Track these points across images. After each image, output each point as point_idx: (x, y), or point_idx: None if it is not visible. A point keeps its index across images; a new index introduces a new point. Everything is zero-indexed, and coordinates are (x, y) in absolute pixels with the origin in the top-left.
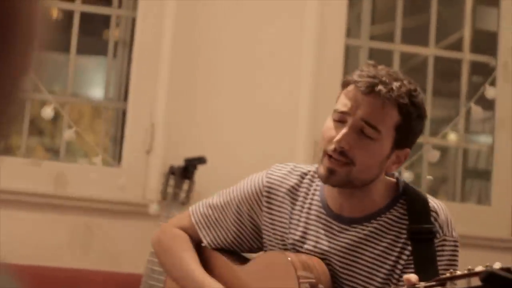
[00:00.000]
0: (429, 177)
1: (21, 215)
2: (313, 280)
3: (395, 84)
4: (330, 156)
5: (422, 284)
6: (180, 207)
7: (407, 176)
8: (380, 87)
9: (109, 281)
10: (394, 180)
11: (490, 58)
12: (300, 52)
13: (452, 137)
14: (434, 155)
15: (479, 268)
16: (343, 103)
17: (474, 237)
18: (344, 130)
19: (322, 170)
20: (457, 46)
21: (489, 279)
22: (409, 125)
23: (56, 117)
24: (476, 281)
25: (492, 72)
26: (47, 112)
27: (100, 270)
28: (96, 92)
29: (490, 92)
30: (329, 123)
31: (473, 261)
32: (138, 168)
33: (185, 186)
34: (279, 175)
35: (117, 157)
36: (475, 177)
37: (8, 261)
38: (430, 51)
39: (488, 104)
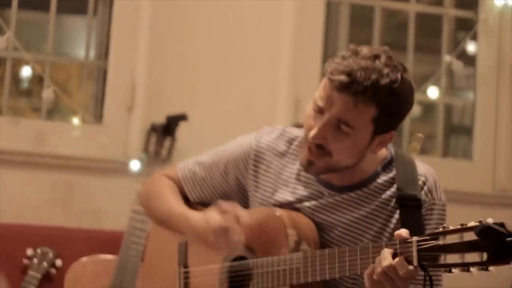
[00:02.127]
0: (420, 134)
1: (2, 173)
2: (297, 238)
3: (372, 79)
4: (309, 148)
5: (415, 238)
6: (161, 164)
7: None
8: (354, 86)
9: (91, 239)
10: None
11: (472, 13)
12: (280, 7)
13: (433, 92)
14: (416, 110)
15: (471, 223)
16: (320, 96)
17: (456, 192)
18: (320, 124)
19: (302, 160)
20: (439, 2)
21: (484, 232)
22: (388, 115)
23: (42, 77)
24: (468, 236)
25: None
26: (26, 71)
27: (81, 228)
28: (79, 51)
29: (471, 47)
30: (309, 110)
31: (455, 216)
32: (119, 126)
33: (167, 143)
34: (268, 139)
35: (99, 116)
36: (459, 133)
37: None
38: (412, 6)
39: (471, 61)
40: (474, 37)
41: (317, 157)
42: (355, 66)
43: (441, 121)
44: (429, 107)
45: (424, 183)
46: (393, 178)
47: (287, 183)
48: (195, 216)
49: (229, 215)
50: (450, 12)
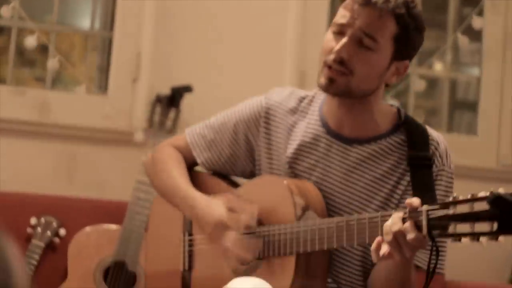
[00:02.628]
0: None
1: (6, 142)
2: (304, 206)
3: None
4: (329, 67)
5: (425, 207)
6: (166, 135)
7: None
8: None
9: (94, 209)
10: (395, 109)
11: None
12: None
13: (439, 67)
14: (421, 84)
15: (482, 194)
16: (341, 15)
17: (461, 167)
18: (343, 40)
19: (322, 80)
20: None
21: (496, 201)
22: (407, 36)
23: (46, 47)
24: (479, 206)
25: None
26: (31, 41)
27: (85, 198)
28: (84, 22)
29: (477, 22)
30: (329, 35)
31: (460, 191)
32: (124, 97)
33: (172, 114)
34: (278, 97)
35: (104, 87)
36: (463, 109)
37: None
38: None
39: (477, 36)
40: (480, 13)
41: (338, 74)
42: None
43: (446, 96)
44: (434, 82)
45: (436, 148)
46: (404, 140)
47: (296, 139)
48: (199, 200)
49: (233, 216)
50: None
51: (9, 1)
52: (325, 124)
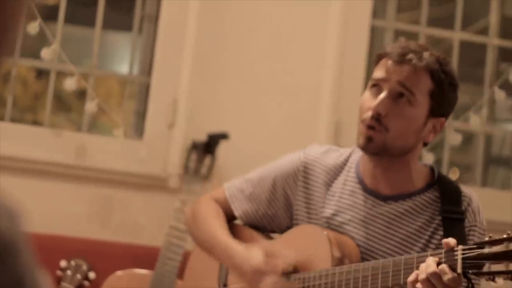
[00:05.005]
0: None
1: (43, 185)
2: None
3: (425, 54)
4: (368, 126)
5: (461, 247)
6: (201, 181)
7: (428, 158)
8: (411, 55)
9: (127, 253)
10: (428, 168)
11: None
12: (325, 31)
13: (475, 121)
14: (456, 139)
15: None
16: (377, 72)
17: (495, 222)
18: (381, 96)
19: (360, 139)
20: (483, 32)
21: None
22: (442, 92)
23: (83, 93)
24: None
25: None
26: (70, 84)
27: (118, 242)
28: (122, 68)
29: None
30: (366, 94)
31: None
32: (160, 142)
33: (207, 161)
34: (316, 152)
35: (140, 132)
36: (498, 164)
37: (28, 229)
38: (456, 35)
39: None
40: None
41: (375, 132)
42: (409, 45)
43: (481, 151)
44: (469, 136)
45: (469, 204)
46: (438, 197)
47: (335, 195)
48: (238, 250)
49: (271, 262)
50: (494, 41)
51: (50, 44)
52: (361, 181)
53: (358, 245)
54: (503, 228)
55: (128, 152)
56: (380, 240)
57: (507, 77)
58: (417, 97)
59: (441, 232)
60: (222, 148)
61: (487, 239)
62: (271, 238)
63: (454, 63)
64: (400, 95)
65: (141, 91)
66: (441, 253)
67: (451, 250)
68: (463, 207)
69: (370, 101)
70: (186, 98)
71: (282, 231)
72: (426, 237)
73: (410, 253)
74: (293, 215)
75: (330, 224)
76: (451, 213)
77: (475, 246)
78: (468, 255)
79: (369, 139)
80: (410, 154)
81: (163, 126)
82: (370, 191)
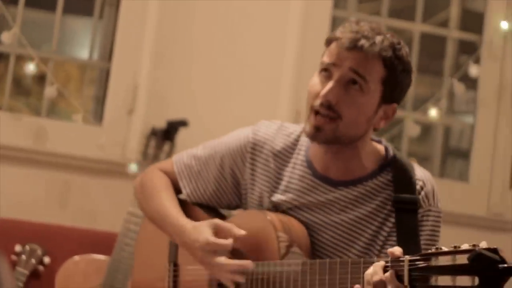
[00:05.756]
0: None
1: (1, 168)
2: (288, 242)
3: (378, 38)
4: (316, 113)
5: (407, 257)
6: None
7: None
8: (362, 41)
9: (84, 238)
10: (382, 147)
11: (476, 36)
12: (286, 20)
13: (433, 113)
14: (415, 130)
15: (465, 246)
16: (328, 57)
17: (451, 214)
18: (330, 83)
19: (308, 128)
20: (444, 24)
21: (476, 259)
22: (395, 79)
23: (42, 77)
24: (461, 259)
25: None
26: (30, 68)
27: (76, 227)
28: (82, 53)
29: (473, 69)
30: (315, 79)
31: (449, 237)
32: (119, 128)
33: (166, 147)
34: (265, 132)
35: (99, 117)
36: (456, 156)
37: None
38: (417, 26)
39: (472, 84)
40: (477, 60)
41: (326, 121)
42: (361, 29)
43: (439, 143)
44: (428, 128)
45: (422, 188)
46: (390, 180)
47: (283, 179)
48: (188, 226)
49: (220, 240)
50: (454, 34)
51: (9, 28)
52: (311, 166)
53: (307, 229)
54: (459, 219)
55: (87, 138)
56: (330, 226)
57: (466, 69)
58: (370, 84)
59: (392, 219)
60: (181, 135)
61: (433, 250)
62: (221, 216)
63: (414, 55)
64: (351, 82)
65: (101, 76)
66: (387, 261)
67: (397, 259)
68: (416, 193)
69: (320, 87)
70: (146, 84)
71: (231, 209)
72: (377, 223)
73: (359, 239)
74: (242, 194)
75: (277, 209)
76: (403, 202)
77: (421, 257)
78: (415, 266)
79: (317, 129)
80: (360, 141)
81: (123, 112)
82: (320, 176)
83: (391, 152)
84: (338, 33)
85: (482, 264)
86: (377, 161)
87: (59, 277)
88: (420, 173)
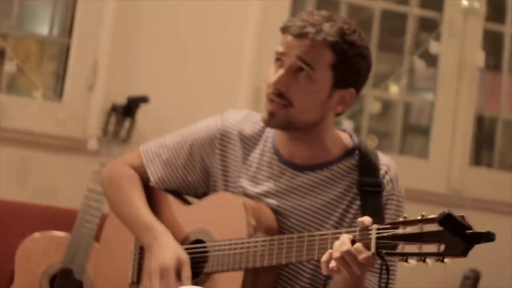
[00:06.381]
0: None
1: None
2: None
3: (326, 25)
4: (271, 100)
5: (375, 226)
6: (120, 144)
7: (347, 125)
8: (309, 28)
9: (45, 215)
10: (347, 135)
11: (437, 14)
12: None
13: (394, 90)
14: (375, 106)
15: (432, 216)
16: (279, 47)
17: (411, 190)
18: (279, 72)
19: (263, 114)
20: (404, 2)
21: (446, 220)
22: (346, 64)
23: (1, 53)
24: (428, 227)
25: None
26: None
27: (35, 204)
28: (42, 29)
29: (434, 47)
30: (271, 69)
31: (409, 214)
32: (79, 104)
33: (127, 124)
34: (234, 119)
35: (59, 93)
36: (416, 133)
37: None
38: (377, 4)
39: (433, 61)
40: (437, 38)
41: (278, 107)
42: (311, 18)
43: (399, 120)
44: (388, 105)
45: (386, 172)
46: (355, 165)
47: (252, 166)
48: (159, 232)
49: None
50: (415, 11)
51: None
52: (277, 153)
53: (276, 218)
54: (419, 196)
55: (47, 114)
56: (298, 210)
57: (426, 47)
58: (317, 71)
59: (358, 202)
60: (142, 112)
61: (401, 219)
62: (187, 202)
63: (374, 32)
64: (299, 70)
65: (61, 52)
66: (355, 231)
67: (365, 228)
68: (381, 177)
69: (273, 76)
70: (106, 60)
71: (199, 197)
72: (343, 206)
73: (327, 223)
74: (210, 182)
75: (246, 195)
76: (368, 185)
77: (389, 226)
78: (382, 235)
79: (271, 114)
80: (321, 126)
81: (83, 88)
82: (286, 162)
83: (355, 139)
84: (289, 21)
85: (451, 226)
86: (342, 147)
87: (19, 254)
88: (384, 159)
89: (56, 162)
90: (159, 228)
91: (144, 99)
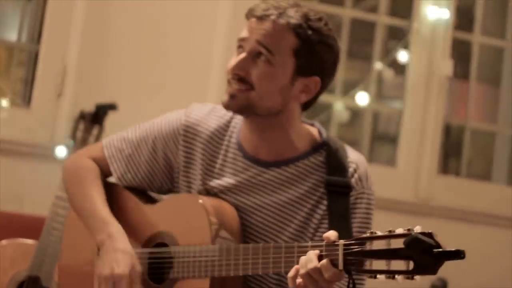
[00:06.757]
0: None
1: None
2: (219, 226)
3: (290, 10)
4: (231, 84)
5: (342, 242)
6: None
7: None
8: (271, 11)
9: (12, 223)
10: (315, 129)
11: (405, 22)
12: None
13: (362, 98)
14: (344, 115)
15: (400, 231)
16: (242, 33)
17: (379, 199)
18: (240, 56)
19: (224, 97)
20: (373, 10)
21: (412, 244)
22: (310, 50)
23: None
24: (396, 243)
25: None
26: None
27: (3, 211)
28: (11, 35)
29: (402, 55)
30: (234, 56)
31: (377, 222)
32: (48, 111)
33: (95, 131)
34: (198, 115)
35: (28, 100)
36: (383, 141)
37: None
38: (347, 12)
39: (401, 70)
40: (405, 47)
41: (239, 90)
42: (277, 3)
43: (368, 128)
44: (357, 113)
45: (355, 170)
46: (323, 162)
47: (216, 162)
48: (114, 231)
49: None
50: (383, 19)
51: None
52: (241, 148)
53: (239, 211)
54: (387, 204)
55: (15, 121)
56: (262, 208)
57: (395, 55)
58: (277, 56)
59: (325, 202)
60: (110, 119)
61: (368, 234)
62: (151, 199)
63: (343, 40)
64: (259, 55)
65: (29, 59)
66: (321, 246)
67: (332, 244)
68: (349, 176)
69: (233, 60)
70: (75, 67)
71: (164, 193)
72: (309, 205)
73: (292, 222)
74: (174, 178)
75: (209, 192)
76: (336, 185)
77: (356, 241)
78: (350, 251)
79: (232, 96)
80: (284, 116)
81: (51, 95)
82: (251, 158)
83: (324, 134)
84: (254, 6)
85: (418, 248)
86: (309, 142)
87: None
88: (353, 155)
89: (23, 169)
90: (114, 225)
91: (112, 107)
